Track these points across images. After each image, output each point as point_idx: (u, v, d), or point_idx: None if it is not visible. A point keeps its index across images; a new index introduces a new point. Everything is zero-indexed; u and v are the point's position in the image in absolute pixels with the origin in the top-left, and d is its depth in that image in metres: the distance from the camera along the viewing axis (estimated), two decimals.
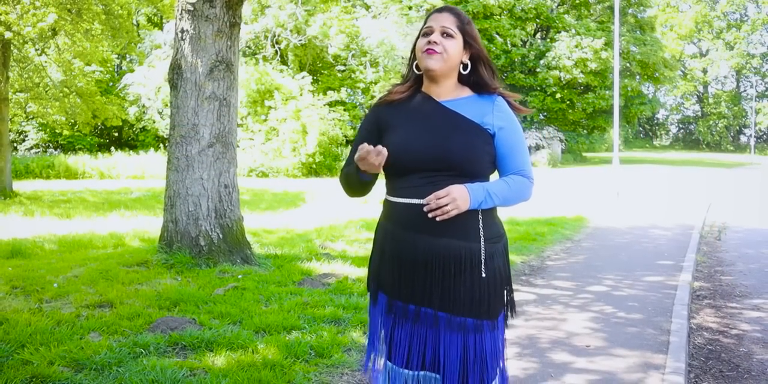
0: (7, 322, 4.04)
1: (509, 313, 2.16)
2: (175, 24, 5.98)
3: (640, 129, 65.91)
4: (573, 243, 8.52)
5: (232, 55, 6.02)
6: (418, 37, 2.14)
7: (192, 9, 5.81)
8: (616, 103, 16.30)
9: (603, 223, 10.70)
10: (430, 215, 1.98)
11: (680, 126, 68.08)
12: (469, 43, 2.12)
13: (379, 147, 1.96)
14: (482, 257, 2.04)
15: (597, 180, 20.94)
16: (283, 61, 27.50)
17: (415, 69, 2.16)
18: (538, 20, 35.23)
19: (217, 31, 5.87)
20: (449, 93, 2.14)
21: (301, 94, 23.66)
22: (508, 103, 2.16)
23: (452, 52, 2.08)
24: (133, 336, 3.87)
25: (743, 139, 62.93)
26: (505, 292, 2.13)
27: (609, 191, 15.18)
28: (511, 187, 2.08)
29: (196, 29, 5.83)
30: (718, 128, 60.27)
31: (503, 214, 10.65)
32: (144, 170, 23.24)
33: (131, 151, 26.39)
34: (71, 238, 7.91)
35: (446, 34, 2.08)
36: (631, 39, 34.38)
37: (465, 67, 2.14)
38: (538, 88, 33.98)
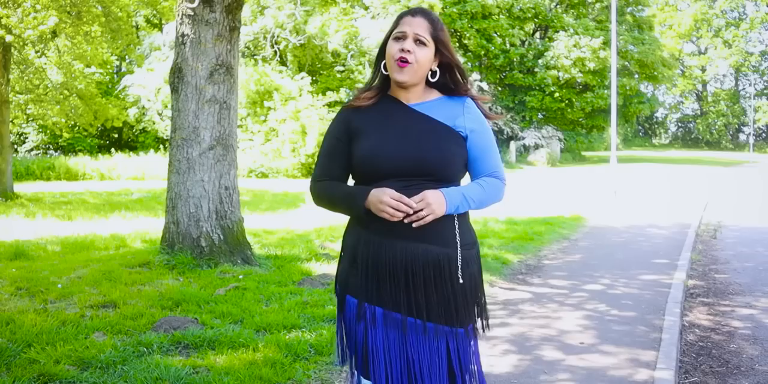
0: (13, 323, 4.13)
1: (483, 321, 2.15)
2: (176, 28, 6.07)
3: (640, 128, 66.02)
4: (570, 242, 8.62)
5: (232, 59, 6.11)
6: (387, 38, 2.09)
7: (192, 14, 5.90)
8: (614, 102, 16.40)
9: (600, 222, 10.79)
10: (405, 221, 1.95)
11: (679, 124, 68.19)
12: (440, 51, 2.08)
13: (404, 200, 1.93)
14: (459, 263, 2.02)
15: (595, 179, 21.04)
16: (282, 62, 27.59)
17: (383, 69, 2.11)
18: (536, 20, 35.35)
19: (217, 35, 5.96)
20: (418, 96, 2.11)
21: (300, 95, 23.76)
22: (479, 106, 2.15)
23: (423, 62, 2.05)
24: (136, 335, 3.96)
25: (742, 137, 63.05)
26: (479, 299, 2.12)
27: (607, 190, 15.27)
28: (486, 190, 2.07)
29: (197, 33, 5.92)
30: (717, 126, 60.38)
31: (502, 212, 10.78)
32: (144, 171, 23.34)
33: (131, 152, 26.51)
34: (73, 239, 8.00)
35: (419, 42, 2.03)
36: (629, 38, 34.49)
37: (433, 74, 2.10)
38: (537, 88, 34.09)
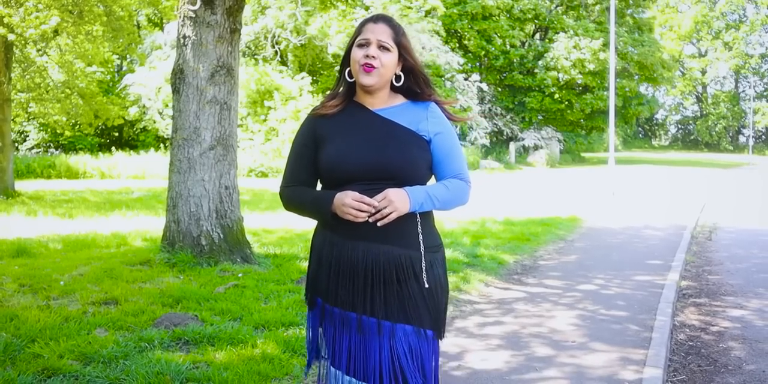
0: (17, 318, 4.22)
1: (442, 325, 2.15)
2: (178, 30, 6.16)
3: (639, 129, 66.15)
4: (566, 243, 8.70)
5: (233, 61, 6.20)
6: (350, 45, 2.13)
7: (194, 16, 5.99)
8: (612, 103, 16.49)
9: (597, 223, 10.87)
10: (370, 220, 1.99)
11: (679, 126, 68.32)
12: (403, 56, 2.13)
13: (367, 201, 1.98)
14: (423, 266, 2.06)
15: (594, 180, 21.12)
16: (283, 62, 27.68)
17: (347, 77, 2.15)
18: (536, 21, 35.42)
19: (218, 37, 6.05)
20: (383, 102, 2.16)
21: (300, 95, 23.86)
22: (443, 110, 2.19)
23: (388, 66, 2.10)
24: (138, 331, 4.04)
25: (742, 139, 63.18)
26: (443, 302, 2.14)
27: (605, 191, 15.36)
28: (450, 190, 2.10)
29: (198, 35, 6.01)
30: (717, 129, 60.51)
31: (500, 213, 10.87)
32: (144, 170, 23.40)
33: (132, 151, 26.56)
34: (75, 237, 8.09)
35: (383, 48, 2.08)
36: (629, 40, 34.57)
37: (398, 78, 2.15)
38: (537, 89, 34.17)
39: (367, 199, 1.97)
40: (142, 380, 3.22)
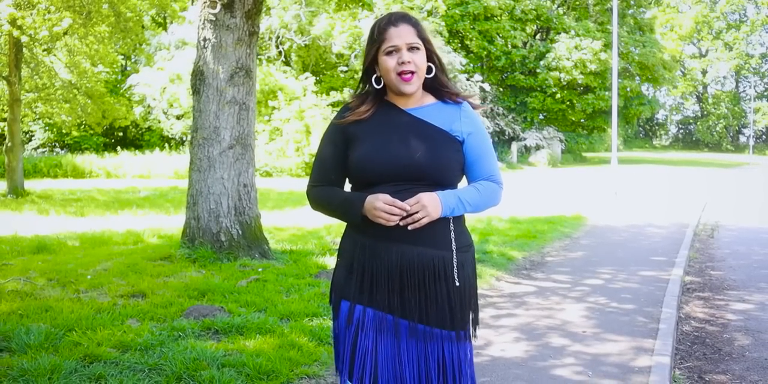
0: (51, 309, 4.41)
1: (474, 325, 2.14)
2: (198, 32, 6.34)
3: (640, 129, 66.35)
4: (572, 240, 8.89)
5: (251, 62, 6.39)
6: (373, 52, 2.06)
7: (214, 19, 6.18)
8: (614, 103, 16.67)
9: (601, 221, 11.06)
10: (401, 224, 1.96)
11: (680, 126, 68.52)
12: (429, 50, 2.08)
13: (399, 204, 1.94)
14: (455, 266, 2.04)
15: (596, 180, 21.31)
16: (287, 62, 27.87)
17: (374, 83, 2.10)
18: (538, 21, 35.63)
19: (237, 39, 6.24)
20: (415, 101, 2.11)
21: (304, 95, 24.04)
22: (471, 105, 2.15)
23: (423, 66, 2.05)
24: (169, 322, 4.23)
25: (742, 139, 63.39)
26: (473, 302, 2.12)
27: (607, 191, 15.55)
28: (482, 193, 2.07)
29: (218, 38, 6.20)
30: (717, 128, 60.71)
31: (506, 211, 11.05)
32: (150, 170, 23.62)
33: (137, 150, 26.78)
34: (91, 234, 8.29)
35: (413, 48, 2.03)
36: (630, 40, 34.77)
37: (429, 70, 2.09)
38: (538, 89, 34.39)
39: (399, 202, 1.93)
40: (181, 366, 3.41)
